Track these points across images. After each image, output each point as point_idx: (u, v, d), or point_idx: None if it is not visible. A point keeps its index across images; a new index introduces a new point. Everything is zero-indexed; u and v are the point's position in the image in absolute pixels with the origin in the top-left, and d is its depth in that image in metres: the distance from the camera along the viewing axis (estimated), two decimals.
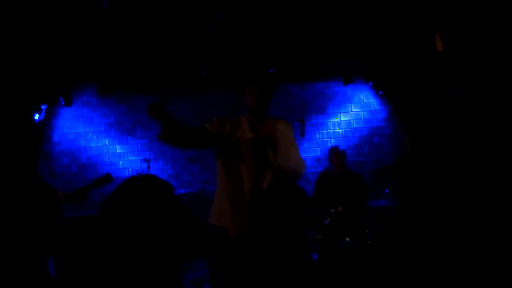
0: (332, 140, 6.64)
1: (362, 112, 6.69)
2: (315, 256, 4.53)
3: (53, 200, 4.05)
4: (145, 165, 6.30)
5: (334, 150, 5.33)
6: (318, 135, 6.68)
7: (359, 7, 5.24)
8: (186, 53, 6.15)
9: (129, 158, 6.77)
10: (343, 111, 6.70)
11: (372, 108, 6.69)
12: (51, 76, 6.41)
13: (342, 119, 6.70)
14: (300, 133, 4.44)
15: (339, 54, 6.22)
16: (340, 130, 6.69)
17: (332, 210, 4.70)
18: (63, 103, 6.52)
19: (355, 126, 6.70)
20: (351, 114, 6.70)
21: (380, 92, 6.55)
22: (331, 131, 6.69)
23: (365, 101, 6.70)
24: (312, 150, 6.64)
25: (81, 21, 5.27)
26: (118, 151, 6.78)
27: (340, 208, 4.70)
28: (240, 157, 3.33)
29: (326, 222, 4.67)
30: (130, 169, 6.73)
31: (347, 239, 4.57)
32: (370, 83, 6.57)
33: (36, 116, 6.52)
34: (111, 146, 6.78)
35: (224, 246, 3.23)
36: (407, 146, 5.24)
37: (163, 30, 5.59)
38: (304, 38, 5.97)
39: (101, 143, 6.76)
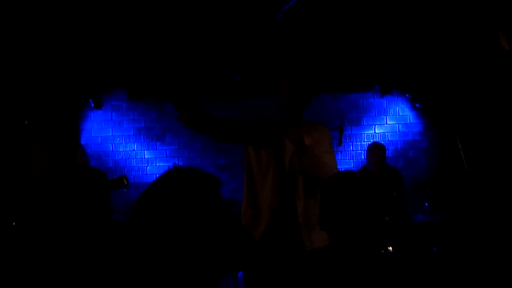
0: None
1: (397, 124, 6.52)
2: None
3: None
4: None
5: (374, 146, 5.16)
6: (351, 147, 6.51)
7: (401, 16, 5.12)
8: (219, 58, 6.07)
9: (157, 164, 6.64)
10: (378, 123, 6.54)
11: (408, 121, 6.52)
12: (82, 79, 6.36)
13: (376, 131, 6.54)
14: (338, 143, 4.27)
15: (376, 64, 6.09)
16: None
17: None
18: (92, 105, 6.44)
19: (389, 139, 6.52)
20: (386, 126, 6.53)
21: (417, 105, 6.37)
22: (365, 143, 6.51)
23: (400, 113, 6.53)
24: (345, 162, 6.46)
25: (116, 25, 5.23)
26: (146, 157, 6.66)
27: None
28: (267, 159, 3.16)
29: None
30: (157, 175, 6.57)
31: (390, 249, 4.37)
32: (407, 95, 6.40)
33: None
34: (139, 151, 6.67)
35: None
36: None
37: (195, 34, 5.52)
38: (342, 47, 5.86)
39: (129, 148, 6.64)
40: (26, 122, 4.42)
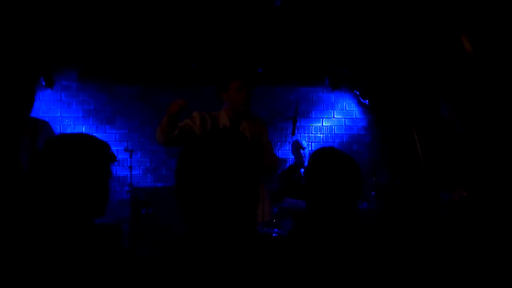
0: (313, 144, 6.71)
1: (343, 119, 6.80)
2: None
3: None
4: (124, 155, 6.15)
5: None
6: (299, 138, 6.72)
7: (356, 15, 5.31)
8: (174, 45, 6.05)
9: None
10: (326, 116, 6.79)
11: (354, 116, 6.81)
12: (32, 56, 6.17)
13: (324, 124, 6.79)
14: (292, 132, 4.48)
15: (328, 60, 6.29)
16: (321, 135, 6.78)
17: None
18: (44, 83, 6.28)
19: (336, 132, 6.80)
20: (333, 120, 6.80)
21: (364, 101, 6.67)
22: (312, 135, 6.76)
23: (347, 108, 6.81)
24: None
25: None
26: None
27: None
28: None
29: None
30: None
31: None
32: (355, 91, 6.69)
33: None
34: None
35: None
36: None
37: (150, 18, 5.48)
38: (295, 41, 6.00)
39: (77, 130, 6.54)
40: None
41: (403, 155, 6.01)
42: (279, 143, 6.70)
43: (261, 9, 5.12)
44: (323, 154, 2.01)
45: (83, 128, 6.56)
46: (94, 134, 6.34)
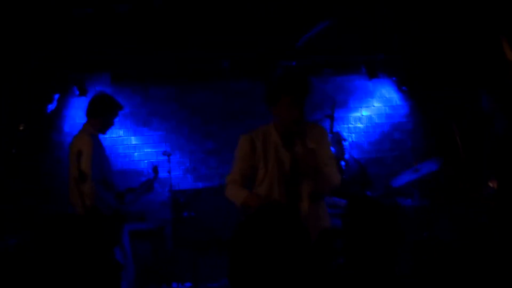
0: (353, 135, 6.53)
1: (384, 107, 6.59)
2: None
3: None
4: (163, 157, 6.13)
5: None
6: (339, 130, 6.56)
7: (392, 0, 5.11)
8: (204, 43, 5.96)
9: (145, 150, 6.57)
10: (365, 105, 6.59)
11: (394, 103, 6.59)
12: (64, 65, 6.20)
13: (363, 113, 6.59)
14: (330, 130, 4.31)
15: (363, 47, 6.09)
16: (361, 125, 6.59)
17: None
18: (77, 93, 6.30)
19: (376, 121, 6.59)
20: (373, 109, 6.59)
21: (404, 88, 6.43)
22: (352, 125, 6.57)
23: (387, 96, 6.60)
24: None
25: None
26: (133, 143, 6.58)
27: None
28: (274, 176, 3.14)
29: None
30: (145, 161, 6.55)
31: None
32: (393, 78, 6.46)
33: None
34: (126, 138, 6.58)
35: None
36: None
37: (180, 17, 5.40)
38: (329, 29, 5.82)
39: (115, 134, 6.52)
40: (21, 128, 4.31)
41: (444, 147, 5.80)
42: None
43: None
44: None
45: (121, 132, 6.55)
46: (132, 137, 6.33)
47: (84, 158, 3.84)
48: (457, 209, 5.25)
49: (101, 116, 4.39)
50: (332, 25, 5.27)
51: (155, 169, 4.89)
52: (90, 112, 4.43)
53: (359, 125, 6.58)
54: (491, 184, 3.98)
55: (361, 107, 6.59)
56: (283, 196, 3.11)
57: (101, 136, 4.70)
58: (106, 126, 4.50)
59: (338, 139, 5.56)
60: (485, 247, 3.92)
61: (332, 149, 5.81)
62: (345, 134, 6.54)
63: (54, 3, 4.57)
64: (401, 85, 6.46)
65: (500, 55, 4.03)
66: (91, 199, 3.90)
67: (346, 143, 5.52)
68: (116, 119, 6.48)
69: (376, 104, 6.59)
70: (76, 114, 6.55)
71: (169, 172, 5.81)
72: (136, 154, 6.58)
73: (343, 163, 5.45)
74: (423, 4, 4.93)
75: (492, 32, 4.47)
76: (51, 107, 6.32)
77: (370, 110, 6.60)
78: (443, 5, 4.81)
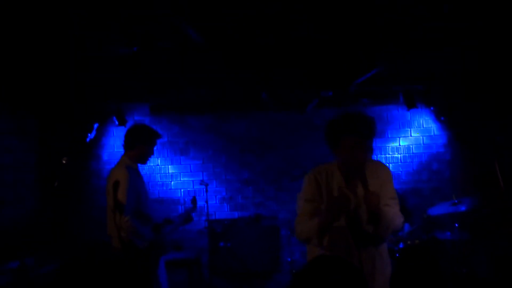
0: (391, 165, 6.45)
1: (421, 137, 6.51)
2: None
3: None
4: (199, 186, 6.17)
5: None
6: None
7: (428, 34, 5.08)
8: (242, 75, 6.01)
9: (182, 179, 6.63)
10: (402, 135, 6.52)
11: (432, 133, 6.51)
12: (104, 96, 6.35)
13: (401, 143, 6.52)
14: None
15: (401, 77, 6.06)
16: (399, 155, 6.51)
17: None
18: (116, 123, 6.42)
19: (414, 152, 6.51)
20: (411, 138, 6.52)
21: (442, 118, 6.35)
22: (389, 155, 6.51)
23: (424, 125, 6.52)
24: None
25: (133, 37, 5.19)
26: (170, 172, 6.65)
27: None
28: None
29: None
30: (182, 190, 6.60)
31: None
32: (432, 108, 6.39)
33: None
34: (163, 166, 6.66)
35: None
36: None
37: (217, 55, 5.47)
38: (369, 61, 5.82)
39: (153, 162, 6.62)
40: (64, 161, 4.40)
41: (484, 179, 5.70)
42: None
43: (328, 30, 5.00)
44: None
45: (159, 160, 6.64)
46: (169, 165, 6.41)
47: (121, 189, 3.87)
48: (497, 244, 5.13)
49: (138, 146, 4.41)
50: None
51: (193, 200, 4.87)
52: (127, 144, 4.45)
53: (396, 155, 6.51)
54: None
55: (399, 137, 6.53)
56: (345, 238, 2.98)
57: (139, 164, 4.72)
58: (145, 156, 4.52)
59: None
60: None
61: None
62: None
63: (102, 43, 4.70)
64: (440, 115, 6.38)
65: None
66: (127, 233, 3.91)
67: None
68: (154, 148, 6.64)
69: (414, 134, 6.52)
70: (115, 143, 6.69)
71: (206, 202, 5.84)
72: (173, 182, 6.64)
73: None
74: (466, 34, 4.90)
75: None
76: (91, 136, 6.44)
77: (408, 140, 6.53)
78: (485, 33, 4.77)
